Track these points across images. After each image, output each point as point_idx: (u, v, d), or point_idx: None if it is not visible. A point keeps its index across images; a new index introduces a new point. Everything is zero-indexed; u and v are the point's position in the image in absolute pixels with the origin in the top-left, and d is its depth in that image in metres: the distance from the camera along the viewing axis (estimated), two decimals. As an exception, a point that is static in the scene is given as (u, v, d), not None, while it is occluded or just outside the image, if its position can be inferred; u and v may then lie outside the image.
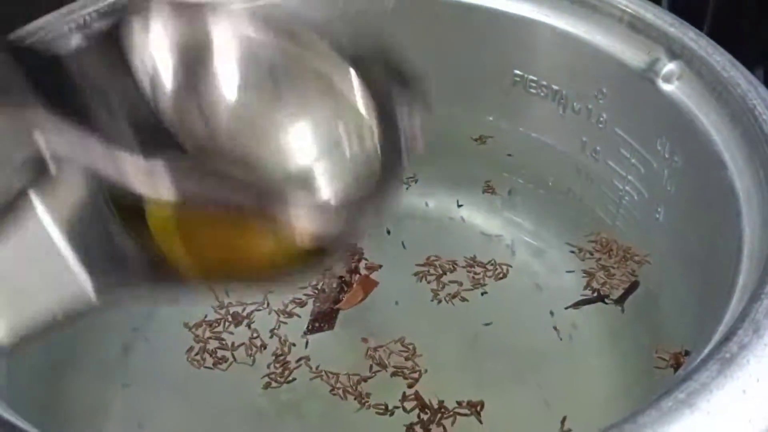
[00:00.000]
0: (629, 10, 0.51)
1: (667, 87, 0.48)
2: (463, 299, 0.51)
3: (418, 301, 0.51)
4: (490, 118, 0.62)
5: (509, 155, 0.60)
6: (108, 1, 0.52)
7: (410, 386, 0.45)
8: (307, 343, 0.48)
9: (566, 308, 0.50)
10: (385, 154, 0.26)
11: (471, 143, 0.60)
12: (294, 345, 0.48)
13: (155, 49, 0.26)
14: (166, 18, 0.27)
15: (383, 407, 0.45)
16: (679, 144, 0.48)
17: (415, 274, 0.53)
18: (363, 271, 0.52)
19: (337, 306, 0.50)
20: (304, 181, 0.25)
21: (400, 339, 0.48)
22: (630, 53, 0.51)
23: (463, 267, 0.53)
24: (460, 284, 0.52)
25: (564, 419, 0.44)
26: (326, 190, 0.25)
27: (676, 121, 0.48)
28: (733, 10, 0.62)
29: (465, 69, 0.61)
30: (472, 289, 0.51)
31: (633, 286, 0.49)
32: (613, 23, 0.52)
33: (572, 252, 0.53)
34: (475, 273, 0.52)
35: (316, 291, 0.51)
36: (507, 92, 0.60)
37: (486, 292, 0.51)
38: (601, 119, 0.55)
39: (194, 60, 0.28)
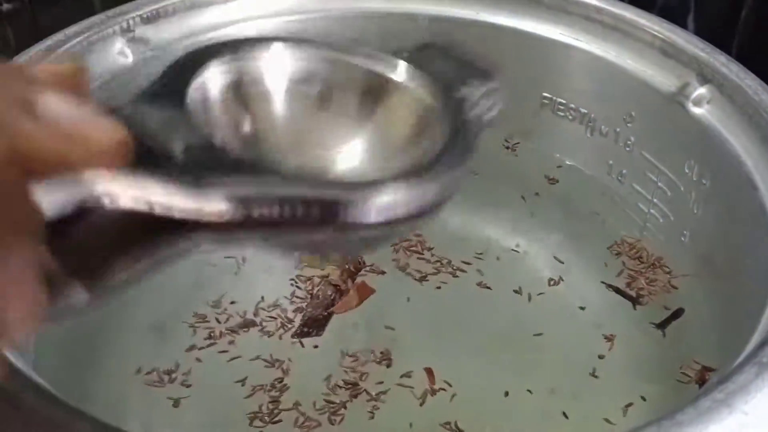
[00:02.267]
0: (660, 35, 0.52)
1: (697, 110, 0.49)
2: (475, 303, 0.52)
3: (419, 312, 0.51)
4: (516, 140, 0.62)
5: (534, 175, 0.60)
6: (151, 7, 0.53)
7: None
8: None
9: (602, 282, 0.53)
10: (451, 144, 0.27)
11: (494, 160, 0.61)
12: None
13: (209, 82, 0.27)
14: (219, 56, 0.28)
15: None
16: (707, 166, 0.49)
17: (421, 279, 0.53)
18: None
19: (329, 311, 0.50)
20: (365, 184, 0.25)
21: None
22: (660, 77, 0.52)
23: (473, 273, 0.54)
24: (469, 289, 0.53)
25: None
26: (388, 188, 0.24)
27: (706, 144, 0.48)
28: (760, 33, 0.63)
29: (493, 90, 0.62)
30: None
31: (677, 313, 0.50)
32: (644, 48, 0.53)
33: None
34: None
35: (310, 296, 0.51)
36: (534, 114, 0.61)
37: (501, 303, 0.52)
38: (629, 142, 0.55)
39: (246, 88, 0.29)
